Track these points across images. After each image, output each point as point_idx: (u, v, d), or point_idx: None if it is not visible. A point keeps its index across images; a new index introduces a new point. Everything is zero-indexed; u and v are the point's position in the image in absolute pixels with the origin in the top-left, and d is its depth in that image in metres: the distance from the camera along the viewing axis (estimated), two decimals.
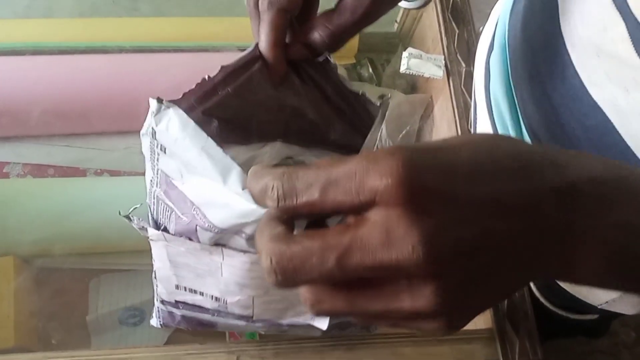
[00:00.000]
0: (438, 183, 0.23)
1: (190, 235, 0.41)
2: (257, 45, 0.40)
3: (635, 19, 0.31)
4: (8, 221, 0.65)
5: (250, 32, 0.52)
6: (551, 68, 0.40)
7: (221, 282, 0.43)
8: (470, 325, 0.60)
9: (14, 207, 0.66)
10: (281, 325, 0.46)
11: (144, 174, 0.77)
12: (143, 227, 0.44)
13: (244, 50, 0.52)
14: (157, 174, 0.41)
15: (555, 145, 0.28)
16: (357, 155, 0.25)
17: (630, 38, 0.32)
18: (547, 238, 0.24)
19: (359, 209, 0.24)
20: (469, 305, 0.25)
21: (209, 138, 0.36)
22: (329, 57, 0.42)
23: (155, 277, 0.47)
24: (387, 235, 0.23)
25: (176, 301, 0.46)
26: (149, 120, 0.39)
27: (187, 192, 0.39)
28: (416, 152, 0.24)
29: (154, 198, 0.44)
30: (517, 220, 0.23)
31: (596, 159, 0.27)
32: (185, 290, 0.45)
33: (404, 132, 0.75)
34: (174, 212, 0.42)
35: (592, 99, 0.37)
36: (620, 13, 0.32)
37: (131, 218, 0.44)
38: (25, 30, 0.76)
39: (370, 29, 0.79)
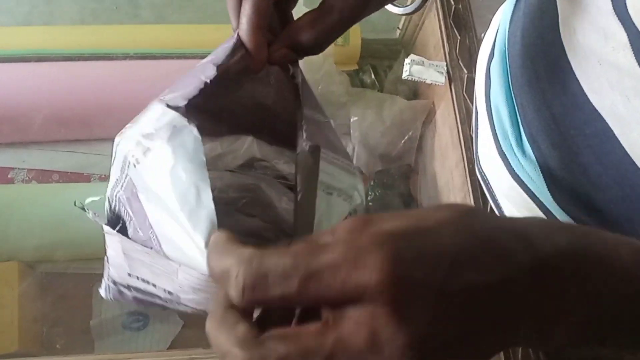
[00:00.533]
0: (425, 280, 0.23)
1: (146, 244, 0.40)
2: (237, 35, 0.38)
3: (636, 28, 0.32)
4: (12, 226, 0.65)
5: None
6: (551, 75, 0.40)
7: (176, 283, 0.41)
8: None
9: (19, 212, 0.66)
10: None
11: None
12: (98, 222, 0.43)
13: None
14: (125, 178, 0.41)
15: (525, 217, 0.28)
16: (339, 240, 0.23)
17: (631, 47, 0.32)
18: (521, 316, 0.24)
19: (340, 304, 0.22)
20: None
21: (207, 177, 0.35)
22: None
23: (107, 261, 0.46)
24: (374, 338, 0.22)
25: (128, 285, 0.45)
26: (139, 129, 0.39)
27: (148, 212, 0.38)
28: (404, 244, 0.23)
29: (115, 197, 0.43)
30: (494, 306, 0.24)
31: (566, 228, 0.27)
32: (138, 279, 0.44)
33: (406, 137, 0.75)
34: (132, 221, 0.41)
35: (592, 106, 0.37)
36: (621, 22, 0.33)
37: (86, 209, 0.44)
38: (28, 37, 0.76)
39: (373, 35, 0.79)
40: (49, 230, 0.65)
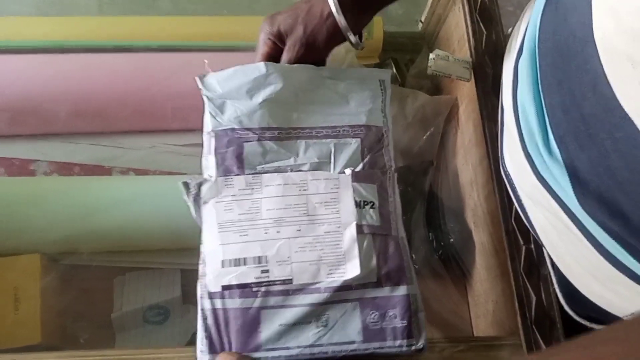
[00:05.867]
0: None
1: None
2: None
3: None
4: (34, 219, 0.65)
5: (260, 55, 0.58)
6: (582, 76, 0.39)
7: (261, 228, 0.50)
8: (498, 332, 0.60)
9: (41, 205, 0.66)
10: (319, 292, 0.49)
11: (169, 173, 0.77)
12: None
13: None
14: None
15: None
16: None
17: None
18: None
19: None
20: None
21: None
22: None
23: (203, 261, 0.51)
24: None
25: (222, 288, 0.50)
26: None
27: None
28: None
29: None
30: None
31: None
32: (231, 264, 0.50)
33: (428, 133, 0.74)
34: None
35: (623, 110, 0.36)
36: None
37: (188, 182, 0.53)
38: (48, 27, 0.76)
39: (395, 28, 0.78)
40: (71, 223, 0.66)
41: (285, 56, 0.58)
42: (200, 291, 0.50)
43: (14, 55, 0.72)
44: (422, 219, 0.71)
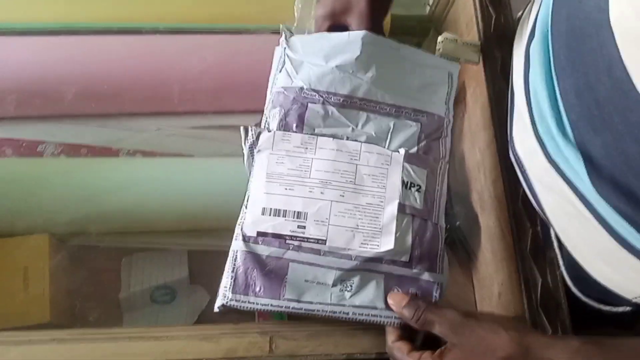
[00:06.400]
0: None
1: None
2: None
3: None
4: (42, 200, 0.66)
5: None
6: (596, 59, 0.39)
7: (307, 186, 0.52)
8: (503, 313, 0.60)
9: (48, 186, 0.67)
10: (349, 259, 0.51)
11: (175, 155, 0.77)
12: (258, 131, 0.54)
13: (277, 33, 0.57)
14: None
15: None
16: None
17: None
18: None
19: None
20: None
21: None
22: None
23: (245, 207, 0.53)
24: None
25: (257, 233, 0.51)
26: None
27: None
28: None
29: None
30: None
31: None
32: (270, 214, 0.52)
33: None
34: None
35: (638, 93, 0.36)
36: None
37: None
38: (57, 9, 0.76)
39: (402, 11, 0.78)
40: (79, 204, 0.66)
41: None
42: (236, 232, 0.52)
43: (22, 37, 0.72)
44: None
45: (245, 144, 0.54)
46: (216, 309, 0.50)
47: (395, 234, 0.51)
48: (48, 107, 0.72)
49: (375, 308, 0.50)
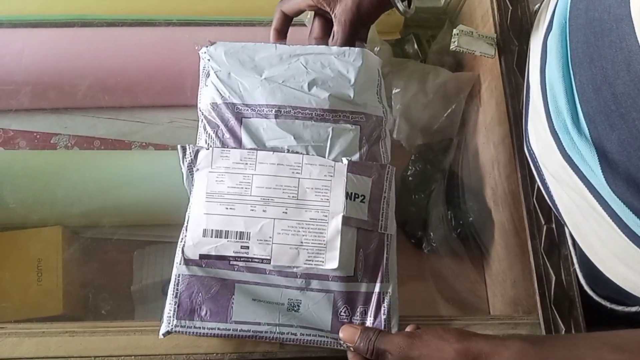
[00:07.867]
0: None
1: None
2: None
3: None
4: (55, 192, 0.66)
5: (294, 6, 0.55)
6: (615, 53, 0.38)
7: (248, 204, 0.51)
8: (515, 312, 0.60)
9: (61, 178, 0.67)
10: (295, 277, 0.50)
11: None
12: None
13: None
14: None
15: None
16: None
17: None
18: None
19: None
20: None
21: None
22: None
23: (185, 228, 0.52)
24: None
25: (200, 256, 0.50)
26: None
27: None
28: None
29: None
30: None
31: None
32: (212, 235, 0.50)
33: (449, 110, 0.74)
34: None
35: None
36: None
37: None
38: (73, 1, 0.76)
39: (417, 3, 0.77)
40: (91, 196, 0.66)
41: (336, 27, 0.57)
42: (177, 256, 0.51)
43: (36, 30, 0.72)
44: (442, 197, 0.71)
45: (183, 162, 0.53)
46: (161, 336, 0.50)
47: (340, 249, 0.50)
48: (62, 99, 0.73)
49: (322, 331, 0.50)
